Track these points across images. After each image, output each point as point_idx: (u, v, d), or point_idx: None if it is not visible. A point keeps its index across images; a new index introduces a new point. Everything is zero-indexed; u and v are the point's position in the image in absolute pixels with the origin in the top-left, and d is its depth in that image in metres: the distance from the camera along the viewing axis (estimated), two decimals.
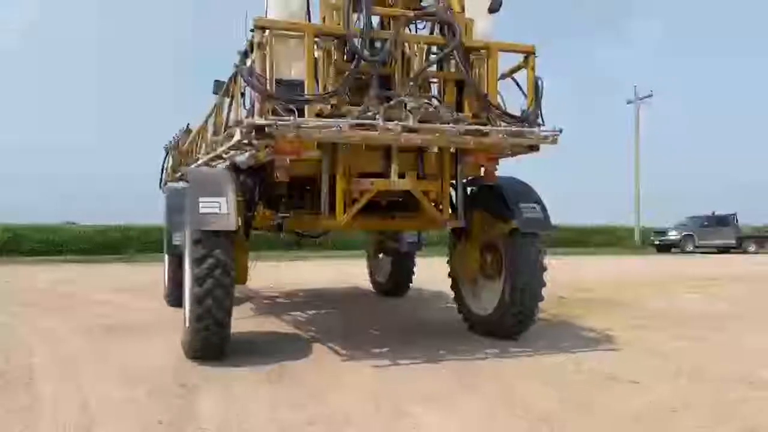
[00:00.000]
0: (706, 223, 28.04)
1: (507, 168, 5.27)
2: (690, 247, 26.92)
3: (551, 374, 4.16)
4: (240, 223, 4.48)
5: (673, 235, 27.78)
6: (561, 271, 12.97)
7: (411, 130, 4.33)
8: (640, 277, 12.88)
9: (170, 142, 8.75)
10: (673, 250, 27.31)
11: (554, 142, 4.70)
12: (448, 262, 5.96)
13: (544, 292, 5.09)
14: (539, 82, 4.75)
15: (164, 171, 9.08)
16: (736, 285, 11.04)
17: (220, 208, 4.20)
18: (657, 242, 28.28)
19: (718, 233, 27.49)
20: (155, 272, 9.31)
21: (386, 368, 4.30)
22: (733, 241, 27.36)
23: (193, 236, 4.23)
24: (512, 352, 4.78)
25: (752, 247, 27.45)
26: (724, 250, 27.06)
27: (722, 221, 27.98)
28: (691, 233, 27.45)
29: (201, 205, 4.20)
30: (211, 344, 4.31)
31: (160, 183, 9.07)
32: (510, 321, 5.08)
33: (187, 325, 4.40)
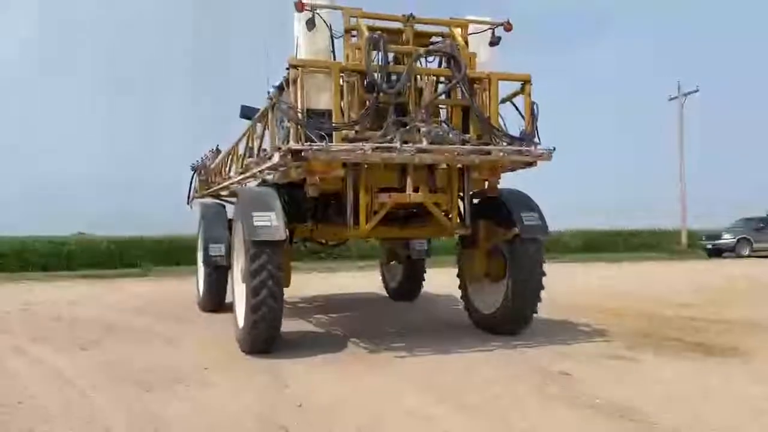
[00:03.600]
0: (761, 225, 28.44)
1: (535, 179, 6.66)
2: (746, 252, 27.22)
3: None
4: (287, 234, 5.80)
5: (727, 238, 28.13)
6: (610, 281, 13.16)
7: (424, 151, 5.62)
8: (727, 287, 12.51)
9: (198, 161, 10.32)
10: (724, 254, 27.69)
11: (548, 158, 6.02)
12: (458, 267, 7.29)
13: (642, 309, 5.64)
14: (534, 106, 6.07)
15: (192, 188, 10.67)
16: None
17: (271, 221, 5.49)
18: (709, 246, 28.54)
19: None
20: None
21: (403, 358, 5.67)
22: None
23: (247, 246, 5.49)
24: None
25: None
26: None
27: None
28: (746, 236, 27.85)
29: (255, 219, 5.50)
30: (264, 337, 5.60)
31: (188, 199, 10.68)
32: (512, 319, 6.39)
33: (242, 323, 5.74)
